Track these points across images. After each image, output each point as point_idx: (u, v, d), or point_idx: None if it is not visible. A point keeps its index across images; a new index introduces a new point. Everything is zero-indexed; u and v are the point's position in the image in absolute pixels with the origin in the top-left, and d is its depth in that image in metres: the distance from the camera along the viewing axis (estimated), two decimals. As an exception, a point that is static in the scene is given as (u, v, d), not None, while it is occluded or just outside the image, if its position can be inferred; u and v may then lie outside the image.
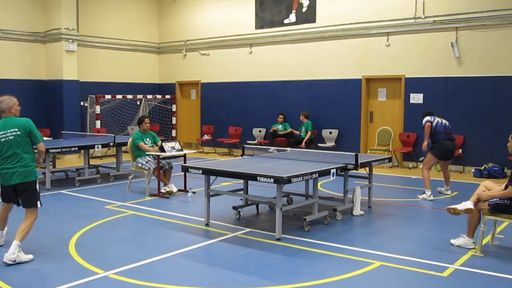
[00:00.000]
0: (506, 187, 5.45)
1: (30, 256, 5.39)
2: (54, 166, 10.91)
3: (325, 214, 6.90)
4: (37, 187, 5.53)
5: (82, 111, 14.92)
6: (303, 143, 13.19)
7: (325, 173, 6.50)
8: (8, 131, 5.35)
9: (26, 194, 5.47)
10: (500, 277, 4.90)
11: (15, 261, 5.22)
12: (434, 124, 8.75)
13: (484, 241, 5.73)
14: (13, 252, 5.20)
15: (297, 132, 13.62)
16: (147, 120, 9.33)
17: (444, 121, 8.88)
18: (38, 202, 5.52)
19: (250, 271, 5.08)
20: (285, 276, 4.91)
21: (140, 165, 9.06)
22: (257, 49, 14.99)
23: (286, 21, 14.28)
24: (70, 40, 14.20)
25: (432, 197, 8.49)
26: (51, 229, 6.67)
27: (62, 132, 12.46)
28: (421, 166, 9.31)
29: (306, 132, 13.44)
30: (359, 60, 13.09)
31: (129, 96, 15.82)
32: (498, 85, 11.21)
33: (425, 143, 8.90)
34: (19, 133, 5.36)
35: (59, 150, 10.05)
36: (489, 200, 5.52)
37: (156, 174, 8.85)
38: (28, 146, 5.44)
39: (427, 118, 8.89)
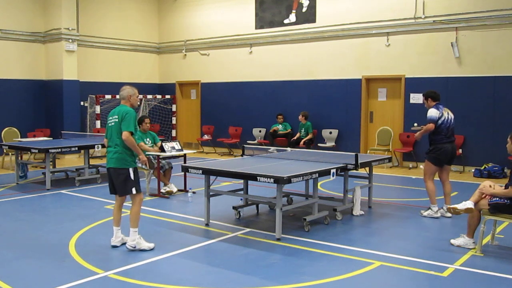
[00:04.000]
0: (506, 187, 5.45)
1: (151, 245, 5.66)
2: (54, 166, 10.91)
3: (325, 214, 6.90)
4: (131, 175, 5.63)
5: (82, 111, 14.92)
6: (302, 142, 13.17)
7: (325, 173, 6.50)
8: (113, 117, 5.69)
9: (118, 181, 5.67)
10: (500, 277, 4.90)
11: (135, 247, 5.62)
12: (440, 120, 7.12)
13: (484, 241, 5.73)
14: (133, 239, 5.62)
15: (295, 137, 13.50)
16: (147, 120, 9.32)
17: (450, 116, 7.22)
18: (133, 189, 5.64)
19: (250, 271, 5.08)
20: (285, 276, 4.91)
21: (140, 165, 9.04)
22: (257, 49, 14.99)
23: (286, 21, 14.28)
24: (70, 40, 14.20)
25: (438, 214, 7.22)
26: (51, 229, 6.67)
27: (62, 132, 12.47)
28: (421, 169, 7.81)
29: (307, 133, 13.42)
30: (359, 60, 13.09)
31: (129, 96, 15.77)
32: (498, 85, 11.21)
33: (418, 136, 7.52)
34: (117, 120, 5.63)
35: (59, 150, 10.05)
36: (489, 200, 5.52)
37: (156, 174, 8.86)
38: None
39: (433, 113, 7.17)
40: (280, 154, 8.39)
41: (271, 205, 7.56)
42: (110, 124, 5.73)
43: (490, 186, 5.60)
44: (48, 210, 8.02)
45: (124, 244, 5.87)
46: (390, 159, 8.44)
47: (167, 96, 16.85)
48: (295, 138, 13.49)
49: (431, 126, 7.15)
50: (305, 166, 6.73)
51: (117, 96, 15.30)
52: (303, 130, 13.49)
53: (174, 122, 16.98)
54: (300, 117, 13.46)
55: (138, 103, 5.95)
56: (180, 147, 9.15)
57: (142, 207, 7.68)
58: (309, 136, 13.34)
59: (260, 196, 7.43)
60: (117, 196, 5.88)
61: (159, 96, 16.69)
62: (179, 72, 16.98)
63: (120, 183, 5.67)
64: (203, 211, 6.87)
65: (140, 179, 5.76)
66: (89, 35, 15.23)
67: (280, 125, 14.18)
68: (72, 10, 14.34)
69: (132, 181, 5.65)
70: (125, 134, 5.52)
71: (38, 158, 12.70)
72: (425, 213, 7.39)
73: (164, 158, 9.13)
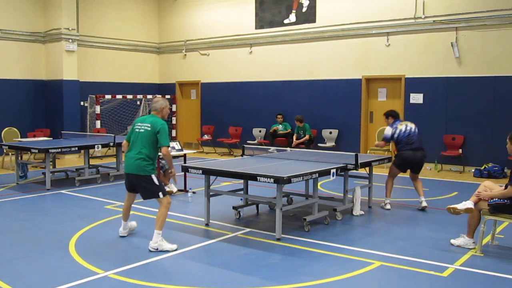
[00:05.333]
0: (506, 187, 5.44)
1: (173, 246, 5.68)
2: (54, 166, 10.91)
3: (325, 214, 6.90)
4: (155, 181, 5.71)
5: (82, 111, 14.92)
6: (297, 143, 13.12)
7: (325, 173, 6.50)
8: (144, 124, 5.76)
9: (142, 187, 5.78)
10: (500, 277, 4.90)
11: (157, 249, 5.61)
12: (396, 134, 7.80)
13: (484, 241, 5.73)
14: (155, 241, 5.63)
15: (295, 142, 13.44)
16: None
17: (409, 127, 7.85)
18: (160, 193, 5.72)
19: (250, 271, 5.08)
20: (285, 276, 4.91)
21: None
22: (257, 49, 14.99)
23: (286, 21, 14.28)
24: (70, 40, 14.20)
25: (388, 206, 7.81)
26: (51, 229, 6.67)
27: (62, 132, 12.46)
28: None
29: (305, 135, 13.40)
30: (359, 60, 13.09)
31: (129, 96, 15.81)
32: (498, 85, 11.21)
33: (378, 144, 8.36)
34: (149, 129, 5.71)
35: (59, 150, 10.06)
36: (489, 200, 5.51)
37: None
38: (151, 143, 5.70)
39: (387, 131, 7.93)
40: (280, 154, 8.39)
41: (271, 205, 7.56)
42: (138, 130, 5.77)
43: (486, 191, 5.61)
44: (48, 210, 8.02)
45: (132, 233, 6.14)
46: (390, 159, 8.43)
47: (167, 96, 16.81)
48: (296, 141, 13.35)
49: (381, 143, 8.14)
50: (305, 166, 6.73)
51: (117, 96, 15.36)
52: (301, 132, 13.45)
53: (174, 122, 16.98)
54: (296, 122, 13.35)
55: (169, 114, 6.19)
56: (180, 147, 9.15)
57: (142, 207, 7.73)
58: (306, 137, 13.25)
59: (260, 196, 7.42)
60: (130, 194, 6.03)
61: (159, 96, 16.66)
62: (179, 72, 16.98)
63: (145, 189, 5.78)
64: (203, 211, 6.87)
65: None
66: (89, 35, 15.23)
67: (280, 125, 14.17)
68: (72, 10, 14.34)
69: (157, 186, 5.73)
70: (165, 149, 5.68)
71: (38, 158, 12.70)
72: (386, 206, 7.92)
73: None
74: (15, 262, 5.34)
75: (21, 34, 14.06)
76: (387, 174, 8.19)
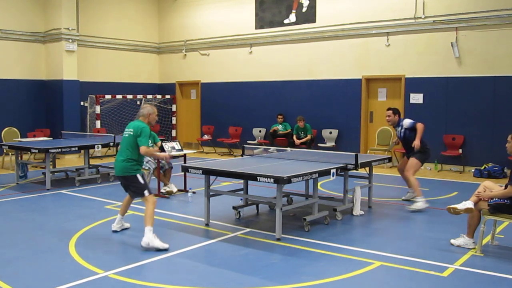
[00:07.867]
0: (506, 187, 5.44)
1: (165, 245, 5.70)
2: (54, 166, 10.91)
3: (325, 214, 6.90)
4: (140, 180, 5.96)
5: (82, 111, 14.91)
6: (300, 143, 13.15)
7: (325, 173, 6.50)
8: (128, 129, 6.02)
9: (130, 187, 6.08)
10: (500, 277, 4.90)
11: (148, 244, 5.65)
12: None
13: (484, 241, 5.73)
14: (147, 237, 5.69)
15: (297, 141, 13.48)
16: (146, 121, 9.32)
17: None
18: (145, 192, 5.91)
19: (250, 271, 5.08)
20: (285, 276, 4.91)
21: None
22: (257, 49, 14.99)
23: (286, 21, 14.28)
24: (70, 40, 14.20)
25: (427, 204, 7.65)
26: (51, 229, 6.67)
27: (62, 132, 12.46)
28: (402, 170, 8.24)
29: (306, 135, 13.42)
30: (359, 60, 13.09)
31: (129, 96, 15.81)
32: (498, 85, 11.20)
33: (417, 143, 7.77)
34: (131, 134, 5.95)
35: (59, 150, 10.06)
36: (489, 200, 5.51)
37: (156, 174, 8.86)
38: (134, 146, 5.92)
39: (410, 119, 8.12)
40: (280, 154, 8.39)
41: (271, 205, 7.56)
42: (124, 135, 6.07)
43: (485, 191, 5.61)
44: (48, 210, 8.02)
45: (124, 229, 6.41)
46: (390, 159, 8.44)
47: (167, 96, 16.85)
48: (298, 141, 13.38)
49: (423, 126, 7.94)
50: (305, 166, 6.73)
51: (117, 96, 15.36)
52: (301, 133, 13.45)
53: (174, 122, 16.98)
54: (300, 122, 13.39)
55: (156, 120, 6.39)
56: (180, 147, 9.15)
57: (142, 207, 7.71)
58: (308, 137, 13.32)
59: (260, 196, 7.42)
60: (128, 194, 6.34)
61: (159, 96, 16.69)
62: (179, 72, 16.98)
63: (132, 189, 6.05)
64: (203, 211, 6.87)
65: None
66: (89, 35, 15.23)
67: (280, 125, 14.18)
68: (72, 10, 14.34)
69: (142, 184, 5.96)
70: (142, 149, 5.86)
71: (38, 158, 12.70)
72: (413, 207, 7.69)
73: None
74: (15, 262, 5.34)
75: (21, 34, 14.06)
76: (407, 172, 7.84)
